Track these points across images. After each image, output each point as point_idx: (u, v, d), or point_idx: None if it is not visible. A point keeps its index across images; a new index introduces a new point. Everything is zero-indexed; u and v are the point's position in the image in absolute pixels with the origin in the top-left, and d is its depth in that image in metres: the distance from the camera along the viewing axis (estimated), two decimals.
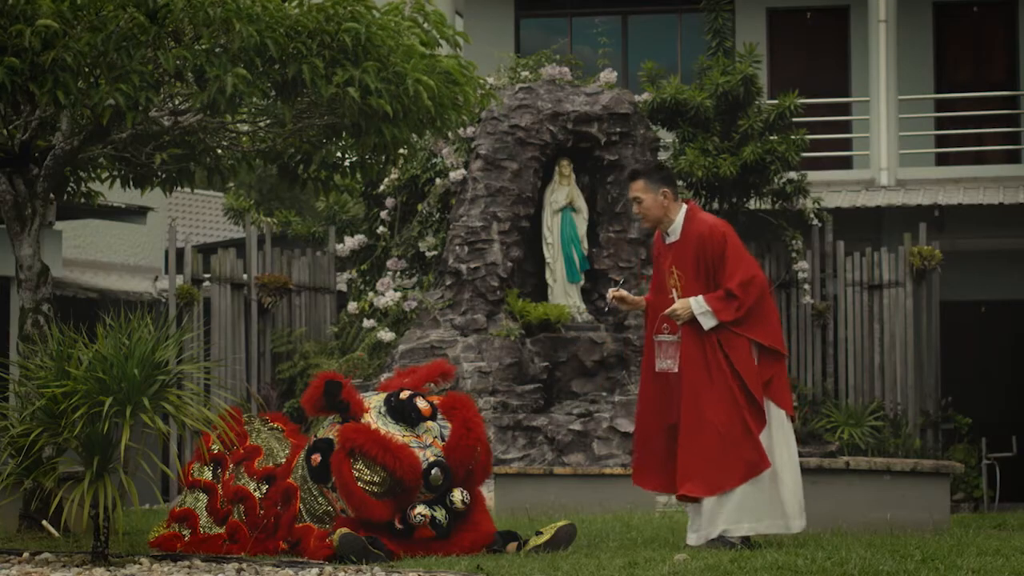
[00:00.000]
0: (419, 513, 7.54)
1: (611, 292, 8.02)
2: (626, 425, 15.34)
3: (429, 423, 7.73)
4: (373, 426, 7.62)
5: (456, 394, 8.01)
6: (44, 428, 7.23)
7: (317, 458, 7.68)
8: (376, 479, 7.52)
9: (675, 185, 8.10)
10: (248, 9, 8.65)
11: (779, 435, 7.72)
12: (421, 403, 7.72)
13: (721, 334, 7.70)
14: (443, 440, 7.69)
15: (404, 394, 7.76)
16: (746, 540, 7.66)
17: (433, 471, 7.56)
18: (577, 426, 15.42)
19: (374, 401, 7.82)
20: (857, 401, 17.12)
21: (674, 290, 7.89)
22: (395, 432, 7.62)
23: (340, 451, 7.55)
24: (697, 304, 7.73)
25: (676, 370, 7.79)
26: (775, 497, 7.66)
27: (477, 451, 7.75)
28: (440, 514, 7.61)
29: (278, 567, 7.03)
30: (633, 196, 8.02)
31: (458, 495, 7.64)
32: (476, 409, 7.91)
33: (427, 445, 7.64)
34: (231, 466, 8.33)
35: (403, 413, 7.71)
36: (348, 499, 7.56)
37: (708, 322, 7.71)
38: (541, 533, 7.78)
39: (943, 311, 17.76)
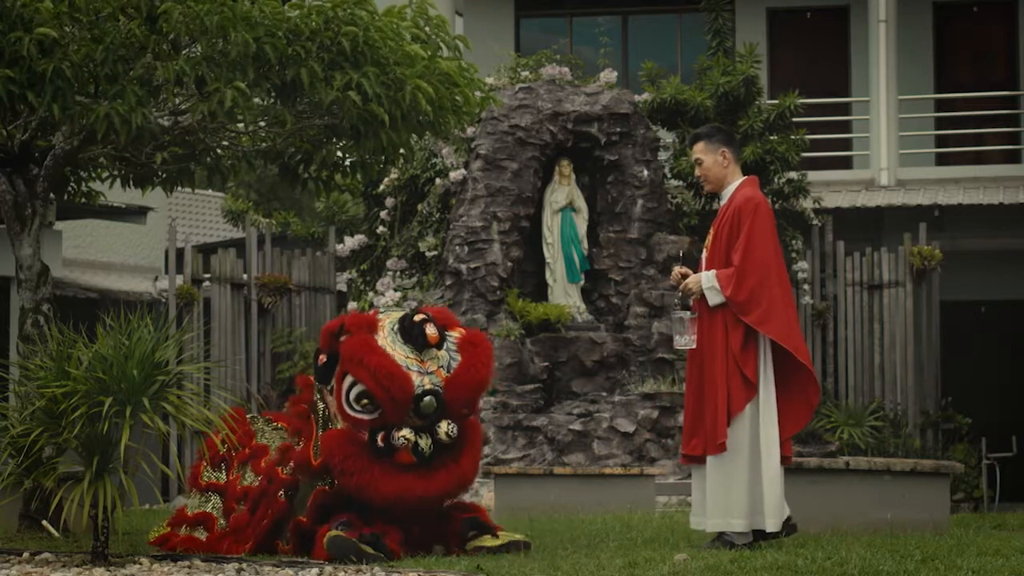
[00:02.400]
0: (402, 435, 7.47)
1: (676, 269, 7.96)
2: (626, 425, 15.35)
3: (438, 352, 7.64)
4: (380, 342, 7.58)
5: (475, 332, 7.92)
6: (44, 428, 7.23)
7: (323, 358, 7.66)
8: (366, 400, 7.50)
9: (736, 146, 8.10)
10: (246, 14, 8.64)
11: (771, 433, 7.72)
12: (430, 329, 7.60)
13: (728, 314, 7.70)
14: (448, 372, 7.61)
15: (417, 317, 7.68)
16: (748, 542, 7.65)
17: (426, 398, 7.48)
18: (577, 426, 15.42)
19: (392, 317, 7.77)
20: (857, 401, 17.11)
21: (705, 250, 7.95)
22: (401, 352, 7.57)
23: (340, 365, 7.55)
24: (707, 279, 7.76)
25: (694, 347, 7.79)
26: (758, 493, 7.67)
27: (479, 393, 7.72)
28: (425, 443, 7.52)
29: (278, 567, 7.03)
30: (694, 158, 8.04)
31: (444, 426, 7.54)
32: (490, 351, 7.82)
33: (429, 372, 7.57)
34: (236, 465, 8.32)
35: (412, 335, 7.63)
36: (339, 412, 7.58)
37: (713, 298, 7.72)
38: (497, 536, 7.76)
39: (943, 311, 17.75)
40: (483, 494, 14.25)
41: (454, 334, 7.77)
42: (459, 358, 7.67)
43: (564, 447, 15.31)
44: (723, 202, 7.97)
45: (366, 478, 7.46)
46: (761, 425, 7.67)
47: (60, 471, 7.50)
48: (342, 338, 7.62)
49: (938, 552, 7.29)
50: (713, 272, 7.76)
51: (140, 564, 7.15)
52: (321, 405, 7.80)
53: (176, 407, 7.26)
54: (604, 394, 16.06)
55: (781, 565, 6.75)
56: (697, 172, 8.08)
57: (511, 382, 15.71)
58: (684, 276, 7.92)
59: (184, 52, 8.80)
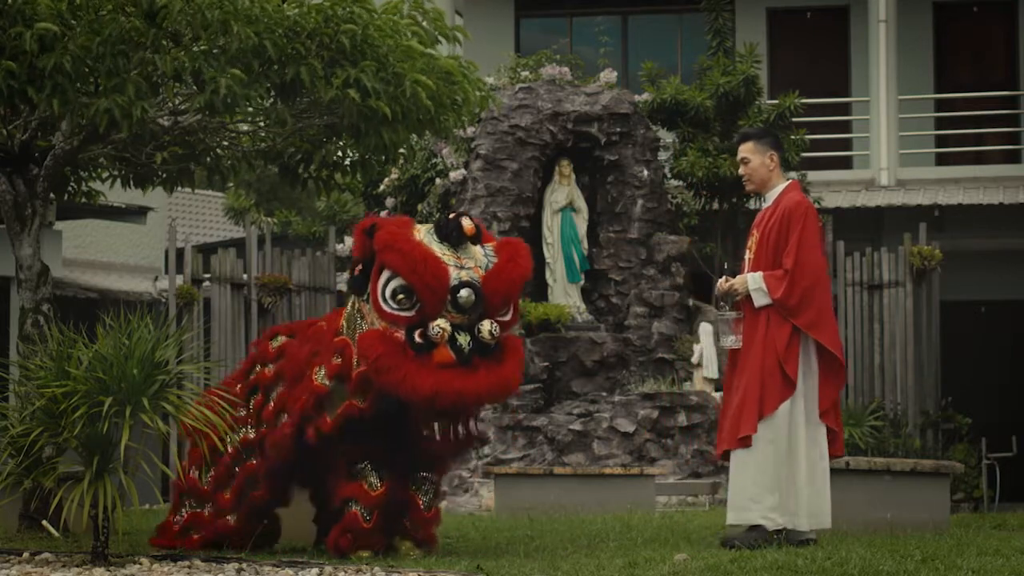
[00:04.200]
0: (437, 325, 7.21)
1: (720, 281, 7.96)
2: (626, 425, 15.35)
3: (475, 250, 7.43)
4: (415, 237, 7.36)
5: (511, 238, 7.78)
6: (44, 428, 7.23)
7: (359, 268, 7.45)
8: (402, 295, 7.28)
9: (783, 151, 8.17)
10: (246, 11, 8.65)
11: (818, 433, 7.75)
12: (466, 222, 7.41)
13: (772, 314, 7.71)
14: (485, 271, 7.38)
15: (452, 215, 7.50)
16: (757, 535, 7.66)
17: (463, 291, 7.24)
18: (577, 426, 15.42)
19: (427, 225, 7.58)
20: (857, 401, 17.10)
21: (748, 251, 7.97)
22: (437, 250, 7.33)
23: (376, 260, 7.36)
24: (753, 280, 7.78)
25: (739, 347, 7.82)
26: (791, 492, 7.69)
27: (518, 285, 7.47)
28: (463, 339, 7.26)
29: (278, 567, 7.04)
30: (741, 157, 8.08)
31: (487, 325, 7.28)
32: (528, 250, 7.59)
33: (465, 267, 7.35)
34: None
35: (447, 232, 7.40)
36: (376, 310, 7.37)
37: (760, 299, 7.73)
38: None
39: (943, 311, 17.74)
40: (483, 494, 14.25)
41: (490, 244, 7.57)
42: (496, 258, 7.46)
43: (564, 447, 15.31)
44: (767, 204, 8.00)
45: (402, 373, 7.20)
46: (802, 424, 7.70)
47: (60, 471, 7.49)
48: (375, 234, 7.38)
49: (938, 552, 7.29)
50: (760, 274, 7.78)
51: (140, 564, 7.15)
52: (359, 319, 7.51)
53: (176, 407, 7.26)
54: (604, 394, 16.06)
55: (781, 565, 6.75)
56: (741, 171, 8.11)
57: None
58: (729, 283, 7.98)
59: (184, 49, 8.79)
